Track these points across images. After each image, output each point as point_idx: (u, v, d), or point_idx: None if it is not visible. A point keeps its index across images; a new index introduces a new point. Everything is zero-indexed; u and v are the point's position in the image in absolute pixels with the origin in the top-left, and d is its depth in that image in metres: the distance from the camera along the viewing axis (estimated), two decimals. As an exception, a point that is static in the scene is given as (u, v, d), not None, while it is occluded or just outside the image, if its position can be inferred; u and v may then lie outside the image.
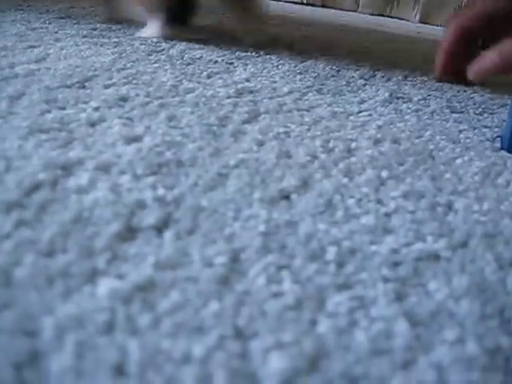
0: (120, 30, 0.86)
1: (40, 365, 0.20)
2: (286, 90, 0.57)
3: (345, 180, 0.38)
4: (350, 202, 0.35)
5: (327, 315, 0.24)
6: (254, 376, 0.20)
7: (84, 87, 0.52)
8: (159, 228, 0.29)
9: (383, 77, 0.71)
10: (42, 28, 0.82)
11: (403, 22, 1.73)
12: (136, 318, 0.22)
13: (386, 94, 0.62)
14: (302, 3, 1.80)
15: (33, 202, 0.30)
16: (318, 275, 0.27)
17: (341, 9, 1.80)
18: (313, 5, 1.80)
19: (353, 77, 0.68)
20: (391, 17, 1.77)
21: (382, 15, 1.77)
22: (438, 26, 1.69)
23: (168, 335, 0.22)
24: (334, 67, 0.72)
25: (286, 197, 0.34)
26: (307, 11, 1.58)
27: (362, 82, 0.67)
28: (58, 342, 0.21)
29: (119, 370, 0.20)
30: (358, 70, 0.73)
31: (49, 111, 0.44)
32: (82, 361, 0.20)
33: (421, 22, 1.75)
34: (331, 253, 0.29)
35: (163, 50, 0.71)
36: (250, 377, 0.20)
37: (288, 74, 0.65)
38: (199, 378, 0.20)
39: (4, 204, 0.29)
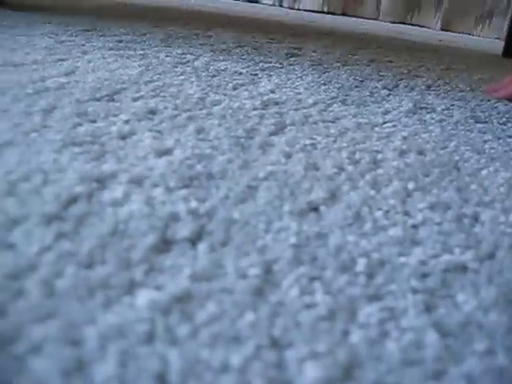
0: (145, 41, 0.87)
1: (86, 373, 0.21)
2: (310, 101, 0.58)
3: (372, 192, 0.38)
4: (378, 214, 0.35)
5: (359, 326, 0.25)
6: (290, 385, 0.21)
7: (113, 100, 0.53)
8: (193, 240, 0.29)
9: (406, 86, 0.72)
10: (69, 41, 0.84)
11: (424, 29, 1.74)
12: (175, 329, 0.23)
13: (410, 105, 0.62)
14: (323, 12, 1.81)
15: (71, 215, 0.31)
16: (348, 286, 0.28)
17: (361, 17, 1.81)
18: (333, 13, 1.81)
19: (376, 87, 0.69)
20: (412, 24, 1.77)
21: (403, 23, 1.77)
22: (459, 33, 1.69)
23: (206, 345, 0.22)
24: (357, 77, 0.73)
25: (315, 209, 0.35)
26: (327, 20, 1.59)
27: (385, 92, 0.67)
28: (102, 351, 0.22)
29: (161, 379, 0.21)
30: (380, 80, 0.74)
31: (80, 124, 0.45)
32: (125, 370, 0.21)
33: (442, 30, 1.76)
34: (361, 264, 0.29)
35: (188, 61, 0.72)
36: (287, 386, 0.21)
37: (312, 85, 0.66)
38: (238, 387, 0.21)
39: (44, 217, 0.30)
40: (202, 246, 0.29)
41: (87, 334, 0.22)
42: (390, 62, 0.91)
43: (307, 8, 1.82)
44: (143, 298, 0.25)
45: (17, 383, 0.20)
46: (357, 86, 0.68)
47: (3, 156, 0.39)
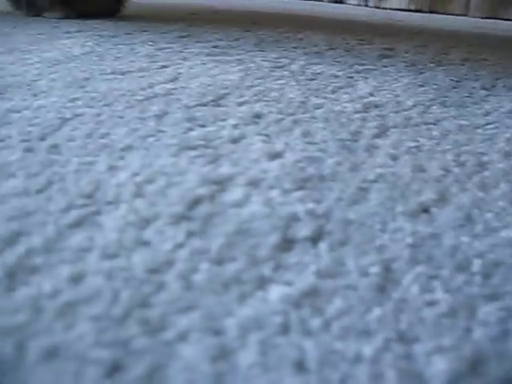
0: (239, 46, 0.90)
1: (230, 359, 0.23)
2: (410, 103, 0.59)
3: (480, 194, 0.39)
4: (489, 215, 0.36)
5: (480, 323, 0.26)
6: (421, 376, 0.22)
7: (219, 105, 0.55)
8: (314, 239, 0.31)
9: (504, 86, 0.71)
10: (168, 48, 0.87)
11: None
12: (308, 321, 0.25)
13: (511, 105, 0.62)
14: (410, 10, 1.79)
15: (197, 215, 0.33)
16: (466, 286, 0.29)
17: (450, 13, 1.78)
18: (420, 11, 1.79)
19: (474, 87, 0.69)
20: (505, 19, 1.73)
21: (495, 18, 1.73)
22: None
23: (338, 337, 0.24)
24: (453, 78, 0.73)
25: (426, 210, 0.36)
26: (415, 18, 1.57)
27: (483, 92, 0.67)
28: (242, 340, 0.24)
29: (300, 367, 0.22)
30: (477, 80, 0.73)
31: (192, 129, 0.48)
32: (266, 357, 0.23)
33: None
34: (477, 265, 0.30)
35: (284, 65, 0.74)
36: (418, 377, 0.22)
37: (409, 86, 0.66)
38: (372, 376, 0.22)
39: (172, 216, 0.33)
40: (322, 245, 0.31)
41: (227, 325, 0.24)
42: (485, 60, 0.90)
43: (393, 7, 1.81)
44: (275, 292, 0.26)
45: (172, 366, 0.22)
46: (454, 87, 0.68)
47: (126, 159, 0.42)
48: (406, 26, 1.37)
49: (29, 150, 0.44)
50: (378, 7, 1.84)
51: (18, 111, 0.54)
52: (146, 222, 0.32)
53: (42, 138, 0.47)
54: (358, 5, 1.89)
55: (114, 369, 0.22)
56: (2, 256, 0.29)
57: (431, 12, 1.79)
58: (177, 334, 0.24)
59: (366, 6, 1.88)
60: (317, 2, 1.94)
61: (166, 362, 0.22)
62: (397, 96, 0.62)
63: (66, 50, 0.86)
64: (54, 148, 0.44)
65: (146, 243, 0.30)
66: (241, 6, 1.72)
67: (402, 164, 0.42)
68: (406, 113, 0.55)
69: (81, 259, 0.29)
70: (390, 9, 1.81)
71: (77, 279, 0.27)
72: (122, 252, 0.30)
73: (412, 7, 1.79)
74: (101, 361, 0.22)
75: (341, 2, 1.93)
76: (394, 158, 0.43)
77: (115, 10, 1.24)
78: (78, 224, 0.33)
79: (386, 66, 0.78)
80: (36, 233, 0.32)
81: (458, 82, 0.71)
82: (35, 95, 0.60)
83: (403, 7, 1.80)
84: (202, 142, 0.45)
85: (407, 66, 0.79)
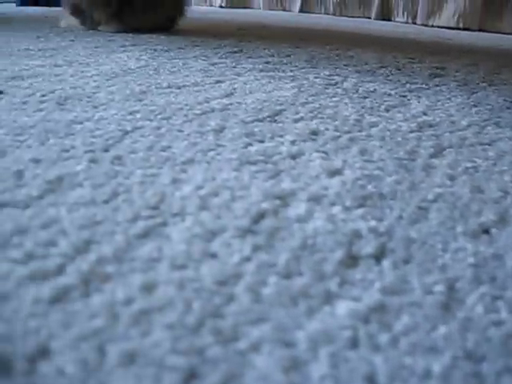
0: (291, 63, 0.91)
1: (302, 371, 0.23)
2: (464, 123, 0.59)
3: (541, 216, 0.39)
4: (550, 237, 0.36)
5: (546, 345, 0.26)
6: (490, 395, 0.23)
7: (275, 121, 0.56)
8: (377, 257, 0.32)
9: (559, 108, 0.71)
10: (221, 63, 0.89)
11: None
12: (376, 336, 0.25)
13: None
14: (458, 28, 1.78)
15: (262, 229, 0.34)
16: (530, 307, 0.29)
17: (500, 32, 1.76)
18: (469, 29, 1.78)
19: (528, 108, 0.69)
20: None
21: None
22: None
23: (407, 353, 0.25)
24: (507, 98, 0.73)
25: (486, 231, 0.36)
26: (464, 36, 1.56)
27: (538, 114, 0.67)
28: (313, 352, 0.24)
29: (371, 381, 0.23)
30: (531, 101, 0.73)
31: (251, 144, 0.49)
32: (337, 370, 0.23)
33: None
34: (541, 287, 0.31)
35: (337, 83, 0.75)
36: (488, 395, 0.23)
37: (462, 106, 0.67)
38: (442, 393, 0.23)
39: (238, 230, 0.34)
40: (386, 263, 0.31)
41: (297, 337, 0.25)
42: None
43: (442, 25, 1.81)
44: (342, 307, 0.27)
45: (247, 375, 0.23)
46: (508, 108, 0.68)
47: (188, 172, 0.43)
48: (456, 44, 1.37)
49: (93, 160, 0.46)
50: (425, 25, 1.83)
51: (81, 122, 0.56)
52: (212, 235, 0.33)
53: (106, 150, 0.48)
54: (406, 22, 1.89)
55: (191, 376, 0.23)
56: (75, 263, 0.30)
57: (480, 30, 1.78)
58: (249, 344, 0.25)
59: (414, 23, 1.87)
60: (364, 19, 1.95)
61: (241, 371, 0.23)
62: (450, 116, 0.62)
63: (122, 63, 0.89)
64: (118, 159, 0.46)
65: (213, 255, 0.31)
66: (287, 21, 1.74)
67: (460, 184, 0.43)
68: (460, 133, 0.56)
69: (151, 269, 0.30)
70: (438, 27, 1.81)
71: (149, 288, 0.29)
72: (191, 263, 0.31)
73: (461, 25, 1.78)
74: (178, 368, 0.23)
75: (388, 20, 1.93)
76: (452, 178, 0.44)
77: (168, 27, 1.27)
78: (145, 234, 0.34)
79: (437, 85, 0.78)
80: (106, 242, 0.33)
81: (511, 102, 0.71)
82: (95, 107, 0.62)
83: (451, 25, 1.79)
84: (262, 158, 0.46)
85: (459, 86, 0.79)
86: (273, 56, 0.98)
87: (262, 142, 0.50)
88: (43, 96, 0.67)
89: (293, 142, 0.50)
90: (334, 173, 0.43)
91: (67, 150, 0.48)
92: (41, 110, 0.60)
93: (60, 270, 0.30)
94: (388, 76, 0.83)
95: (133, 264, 0.31)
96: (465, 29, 1.78)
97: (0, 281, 0.29)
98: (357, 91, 0.71)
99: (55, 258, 0.31)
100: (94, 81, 0.75)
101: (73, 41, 1.15)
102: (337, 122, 0.56)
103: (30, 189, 0.40)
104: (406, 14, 1.90)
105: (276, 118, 0.57)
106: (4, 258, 0.31)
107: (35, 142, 0.50)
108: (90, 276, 0.29)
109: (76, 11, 1.29)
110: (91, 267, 0.30)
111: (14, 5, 2.20)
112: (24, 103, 0.63)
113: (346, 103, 0.64)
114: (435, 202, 0.39)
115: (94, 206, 0.37)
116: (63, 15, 1.34)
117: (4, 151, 0.47)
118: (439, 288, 0.29)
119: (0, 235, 0.33)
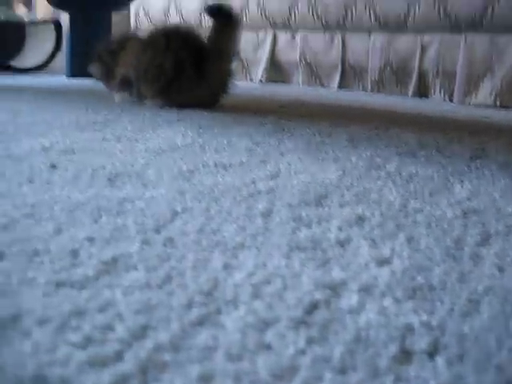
0: (333, 143, 0.93)
1: None
2: (509, 209, 0.59)
3: None
4: None
5: None
6: None
7: (321, 205, 0.57)
8: (430, 352, 0.32)
9: None
10: (264, 142, 0.91)
11: None
12: None
13: None
14: (495, 106, 1.79)
15: (315, 320, 0.35)
16: None
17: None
18: (507, 107, 1.79)
19: None
20: None
21: None
22: None
23: None
24: (550, 183, 0.73)
25: (539, 328, 0.36)
26: (502, 115, 1.57)
27: None
28: None
29: None
30: None
31: (299, 229, 0.50)
32: None
33: None
34: None
35: (379, 165, 0.76)
36: None
37: (506, 190, 0.67)
38: None
39: (292, 320, 0.34)
40: (440, 359, 0.31)
41: None
42: None
43: (479, 103, 1.82)
44: (399, 407, 0.27)
45: None
46: (552, 193, 0.68)
47: (239, 258, 0.44)
48: (494, 122, 1.38)
49: (146, 241, 0.47)
50: (462, 103, 1.85)
51: (132, 201, 0.58)
52: (265, 325, 0.34)
53: (157, 230, 0.50)
54: (443, 100, 1.91)
55: None
56: (133, 349, 0.31)
57: (518, 109, 1.79)
58: None
59: (451, 101, 1.90)
60: (400, 97, 1.98)
61: None
62: (495, 201, 0.62)
63: (169, 139, 0.91)
64: (170, 241, 0.47)
65: (268, 347, 0.32)
66: (325, 98, 1.77)
67: (509, 276, 0.43)
68: (506, 220, 0.56)
69: (207, 359, 0.31)
70: (475, 104, 1.82)
71: (206, 379, 0.29)
72: (246, 354, 0.31)
73: (498, 103, 1.80)
74: None
75: (425, 97, 1.96)
76: (501, 269, 0.44)
77: (211, 104, 1.31)
78: (200, 322, 0.34)
79: (478, 168, 0.79)
80: (162, 328, 0.34)
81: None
82: (145, 185, 0.64)
83: (488, 103, 1.80)
84: (311, 244, 0.47)
85: (501, 168, 0.80)
86: (314, 135, 1.00)
87: (309, 227, 0.51)
88: (94, 171, 0.69)
89: (340, 228, 0.50)
90: (383, 262, 0.43)
91: (120, 230, 0.50)
92: (92, 187, 0.62)
93: (118, 357, 0.31)
94: (429, 158, 0.84)
95: (189, 353, 0.31)
96: (502, 106, 1.79)
97: (61, 365, 0.29)
98: (400, 174, 0.72)
99: (113, 344, 0.32)
100: (142, 157, 0.78)
101: (120, 114, 1.19)
102: (382, 208, 0.57)
103: (85, 269, 0.41)
104: (442, 91, 1.93)
105: (322, 201, 0.58)
106: (64, 341, 0.32)
107: (89, 220, 0.52)
108: (147, 363, 0.30)
109: (124, 83, 1.34)
110: (149, 355, 0.31)
111: (65, 76, 2.31)
112: (76, 178, 0.66)
113: (390, 188, 0.65)
114: (485, 294, 0.39)
115: (149, 290, 0.38)
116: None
117: (60, 229, 0.49)
118: (496, 389, 0.29)
119: (59, 316, 0.34)
